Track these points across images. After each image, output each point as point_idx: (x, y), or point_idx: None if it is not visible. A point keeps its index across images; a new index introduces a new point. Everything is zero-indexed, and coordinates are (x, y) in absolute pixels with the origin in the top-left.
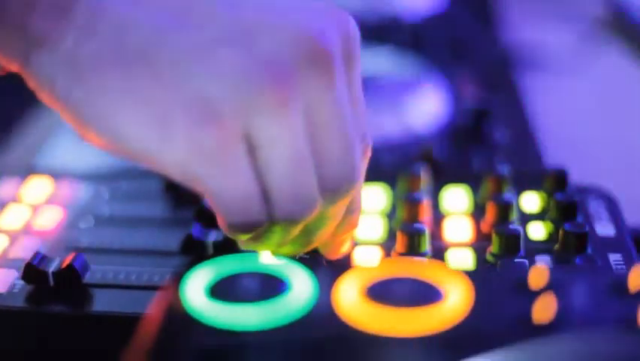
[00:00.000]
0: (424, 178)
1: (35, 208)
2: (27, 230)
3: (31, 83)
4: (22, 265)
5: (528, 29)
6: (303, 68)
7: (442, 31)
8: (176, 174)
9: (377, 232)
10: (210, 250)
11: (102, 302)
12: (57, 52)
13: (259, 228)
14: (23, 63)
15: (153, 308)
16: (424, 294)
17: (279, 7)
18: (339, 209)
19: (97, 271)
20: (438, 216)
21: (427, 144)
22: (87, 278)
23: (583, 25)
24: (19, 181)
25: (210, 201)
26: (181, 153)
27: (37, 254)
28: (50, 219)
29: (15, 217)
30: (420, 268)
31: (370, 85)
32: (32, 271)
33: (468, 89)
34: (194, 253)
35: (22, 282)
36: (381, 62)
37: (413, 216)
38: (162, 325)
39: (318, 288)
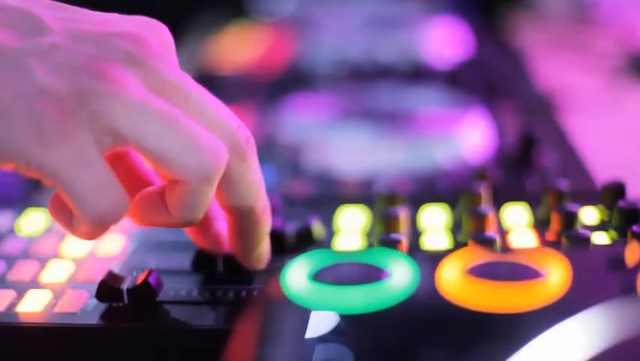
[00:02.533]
0: (485, 195)
1: None
2: (92, 256)
3: None
4: (92, 287)
5: (555, 74)
6: (123, 54)
7: (476, 74)
8: (22, 165)
9: (443, 245)
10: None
11: (178, 317)
12: None
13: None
14: None
15: (255, 298)
16: (524, 273)
17: (107, 20)
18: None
19: (169, 289)
20: (502, 231)
21: (481, 167)
22: (160, 296)
23: (607, 70)
24: None
25: (65, 195)
26: (23, 139)
27: (109, 273)
28: (114, 246)
29: (77, 246)
30: (515, 253)
31: (420, 118)
32: (107, 288)
33: (511, 120)
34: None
35: (94, 301)
36: (425, 97)
37: (480, 229)
38: (265, 311)
39: (418, 273)
